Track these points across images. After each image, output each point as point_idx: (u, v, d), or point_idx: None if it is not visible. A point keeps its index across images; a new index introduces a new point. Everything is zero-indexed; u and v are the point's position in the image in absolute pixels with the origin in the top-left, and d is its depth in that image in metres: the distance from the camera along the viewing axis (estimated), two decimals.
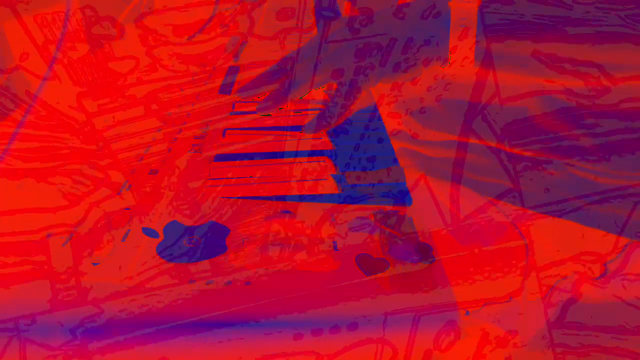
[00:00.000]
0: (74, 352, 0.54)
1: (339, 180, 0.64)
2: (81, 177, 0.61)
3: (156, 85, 0.66)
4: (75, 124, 0.64)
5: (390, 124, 0.66)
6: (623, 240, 0.60)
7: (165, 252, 0.59)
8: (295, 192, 0.63)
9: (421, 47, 0.60)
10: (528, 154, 0.60)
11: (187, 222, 0.61)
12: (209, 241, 0.60)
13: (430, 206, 0.61)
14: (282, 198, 0.62)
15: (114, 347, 0.54)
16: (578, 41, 0.56)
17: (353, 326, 0.55)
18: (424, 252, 0.58)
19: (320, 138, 0.66)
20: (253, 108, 0.66)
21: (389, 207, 0.61)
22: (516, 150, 0.61)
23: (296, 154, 0.67)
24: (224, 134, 0.65)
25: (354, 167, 0.65)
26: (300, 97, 0.65)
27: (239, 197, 0.62)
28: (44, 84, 0.62)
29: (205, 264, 0.58)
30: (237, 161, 0.64)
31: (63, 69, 0.64)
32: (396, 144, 0.66)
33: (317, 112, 0.66)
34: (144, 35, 0.64)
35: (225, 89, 0.65)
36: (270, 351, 0.55)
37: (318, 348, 0.55)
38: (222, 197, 0.62)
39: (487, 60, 0.59)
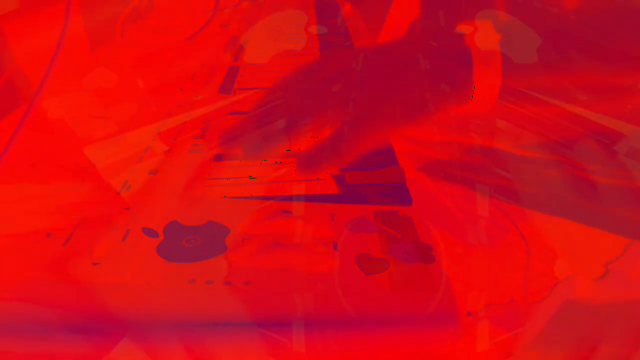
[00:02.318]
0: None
1: (339, 180, 0.64)
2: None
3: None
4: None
5: None
6: (625, 241, 0.60)
7: (165, 252, 0.59)
8: (295, 192, 0.63)
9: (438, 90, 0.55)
10: (528, 154, 0.60)
11: (187, 222, 0.61)
12: (209, 241, 0.60)
13: (431, 206, 0.61)
14: (282, 198, 0.62)
15: (111, 347, 0.53)
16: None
17: (353, 326, 0.55)
18: (424, 252, 0.58)
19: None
20: None
21: (388, 207, 0.61)
22: (516, 150, 0.61)
23: (296, 153, 0.66)
24: None
25: (354, 167, 0.65)
26: None
27: (239, 197, 0.62)
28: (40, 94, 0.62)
29: (205, 264, 0.58)
30: (237, 161, 0.64)
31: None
32: (396, 144, 0.66)
33: None
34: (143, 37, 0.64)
35: (225, 89, 0.65)
36: (270, 352, 0.55)
37: (319, 348, 0.55)
38: (222, 197, 0.62)
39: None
